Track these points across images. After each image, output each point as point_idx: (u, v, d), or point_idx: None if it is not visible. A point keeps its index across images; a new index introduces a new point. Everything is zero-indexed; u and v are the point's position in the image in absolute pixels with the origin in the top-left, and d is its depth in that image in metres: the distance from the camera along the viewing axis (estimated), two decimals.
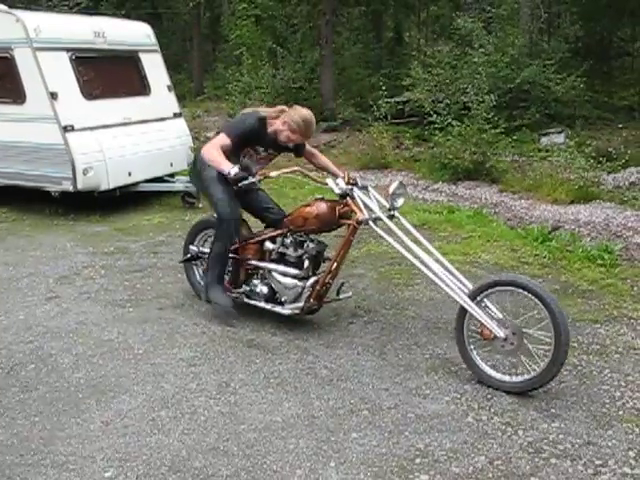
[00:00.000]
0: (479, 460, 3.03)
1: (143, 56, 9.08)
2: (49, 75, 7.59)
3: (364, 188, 4.30)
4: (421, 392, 3.68)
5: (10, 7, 8.27)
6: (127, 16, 19.05)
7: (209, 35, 28.71)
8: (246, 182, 4.31)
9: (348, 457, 3.08)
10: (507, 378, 3.70)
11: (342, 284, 4.75)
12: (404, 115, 13.24)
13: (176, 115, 9.24)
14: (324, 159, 5.02)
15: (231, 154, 4.50)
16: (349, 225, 4.30)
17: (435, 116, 10.55)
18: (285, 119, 4.48)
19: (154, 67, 9.23)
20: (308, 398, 3.64)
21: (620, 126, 12.35)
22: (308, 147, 4.93)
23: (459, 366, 3.97)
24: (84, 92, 8.00)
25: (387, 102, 11.82)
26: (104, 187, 7.88)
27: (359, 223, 4.20)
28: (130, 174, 8.07)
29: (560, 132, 11.96)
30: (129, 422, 3.44)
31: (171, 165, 8.74)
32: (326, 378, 3.86)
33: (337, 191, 4.22)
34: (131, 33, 9.10)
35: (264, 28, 16.42)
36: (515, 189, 9.30)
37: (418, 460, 3.04)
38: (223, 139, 4.49)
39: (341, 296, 4.70)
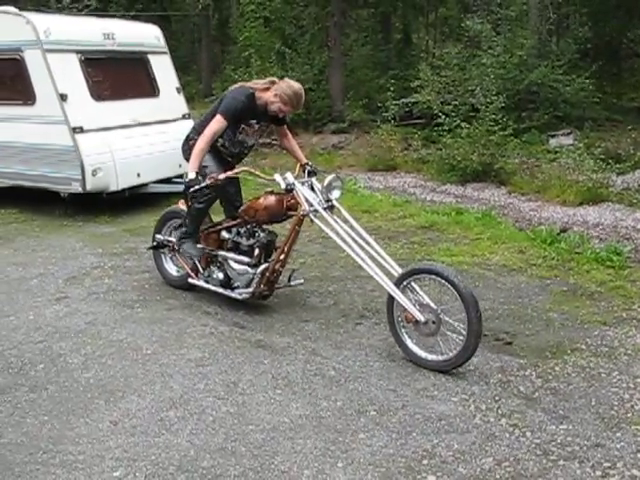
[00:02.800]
0: (486, 461, 3.02)
1: (152, 58, 9.11)
2: (59, 77, 7.63)
3: (308, 182, 4.58)
4: (429, 393, 3.68)
5: (20, 9, 8.34)
6: (136, 18, 19.13)
7: (218, 37, 28.76)
8: (195, 188, 4.62)
9: (356, 458, 3.08)
10: (430, 357, 3.97)
11: (293, 271, 5.09)
12: (412, 116, 13.23)
13: (185, 116, 9.27)
14: (293, 142, 5.24)
15: (229, 130, 4.78)
16: (296, 216, 4.61)
17: (443, 117, 10.54)
18: (277, 92, 4.66)
19: (163, 69, 9.26)
20: (316, 399, 3.64)
21: (629, 127, 12.27)
22: (285, 126, 5.14)
23: (467, 367, 3.96)
24: (93, 93, 8.03)
25: (395, 104, 11.82)
26: (113, 188, 7.91)
27: (303, 215, 4.49)
28: (139, 175, 8.10)
29: (569, 133, 11.93)
30: (137, 422, 3.46)
31: (179, 166, 8.70)
32: (334, 379, 3.87)
33: (282, 186, 4.48)
34: (140, 35, 9.13)
35: (273, 30, 16.45)
36: (524, 191, 9.29)
37: (425, 461, 3.04)
38: (220, 122, 4.69)
39: (292, 283, 5.02)
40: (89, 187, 7.68)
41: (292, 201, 4.57)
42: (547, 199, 8.79)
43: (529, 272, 5.73)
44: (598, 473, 2.92)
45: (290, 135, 5.25)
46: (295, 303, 5.16)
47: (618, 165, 8.98)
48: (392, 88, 11.65)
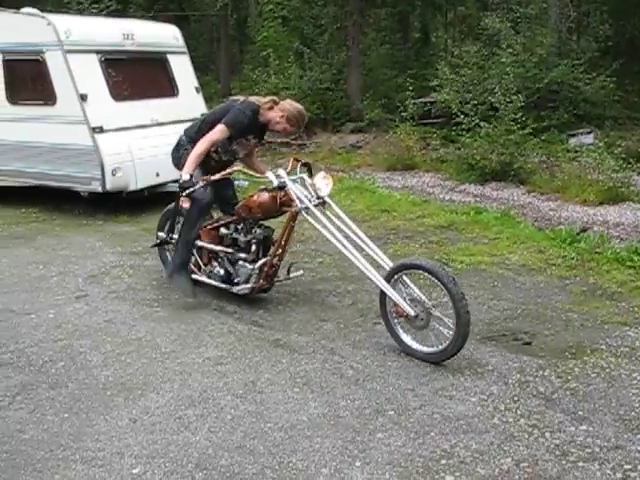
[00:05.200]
0: (505, 462, 3.01)
1: (171, 57, 9.16)
2: (79, 77, 7.70)
3: (300, 178, 4.68)
4: (447, 393, 3.67)
5: (41, 11, 8.43)
6: (155, 18, 19.23)
7: (236, 37, 28.85)
8: (188, 190, 4.71)
9: (373, 457, 3.08)
10: (422, 349, 4.06)
11: (291, 264, 5.16)
12: (431, 116, 13.18)
13: (204, 116, 9.29)
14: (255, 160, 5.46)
15: (225, 140, 4.89)
16: (289, 212, 4.71)
17: (462, 117, 10.49)
18: (284, 113, 4.83)
19: (182, 68, 9.32)
20: (334, 398, 3.64)
21: None
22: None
23: (485, 367, 3.95)
24: (113, 93, 8.10)
25: (414, 103, 11.78)
26: (132, 187, 7.97)
27: (296, 212, 4.61)
28: (158, 175, 8.13)
29: (589, 132, 11.83)
30: (156, 420, 3.48)
31: None
32: (352, 378, 3.87)
33: (275, 183, 4.58)
34: (159, 35, 9.19)
35: (291, 29, 16.48)
36: (543, 190, 9.22)
37: (444, 461, 3.03)
38: (223, 132, 4.82)
39: (291, 275, 5.13)
40: (109, 186, 7.74)
41: (285, 197, 4.66)
42: (567, 198, 8.72)
43: (548, 272, 5.69)
44: (619, 475, 2.90)
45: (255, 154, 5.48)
46: (313, 302, 5.16)
47: (639, 164, 8.88)
48: (411, 87, 11.60)
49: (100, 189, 7.77)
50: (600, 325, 4.55)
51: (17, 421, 3.52)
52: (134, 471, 3.05)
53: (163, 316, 4.93)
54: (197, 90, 9.52)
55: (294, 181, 4.63)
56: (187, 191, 4.76)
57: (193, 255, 5.37)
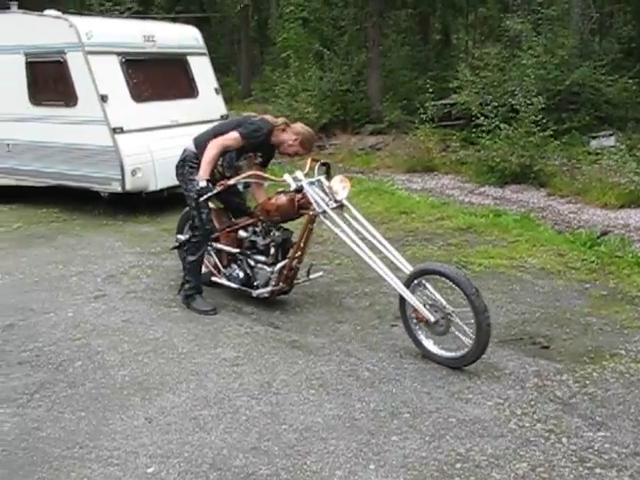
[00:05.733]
0: (521, 467, 2.98)
1: (191, 59, 9.21)
2: (100, 78, 7.76)
3: (318, 181, 4.63)
4: (463, 396, 3.64)
5: (63, 13, 8.51)
6: (176, 20, 19.37)
7: (257, 38, 29.00)
8: (205, 196, 4.77)
9: (388, 460, 3.07)
10: (441, 353, 4.03)
11: (311, 266, 5.14)
12: (451, 118, 13.11)
13: (223, 117, 9.31)
14: None
15: (233, 153, 4.97)
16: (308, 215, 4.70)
17: (482, 119, 10.42)
18: (298, 137, 4.89)
19: (202, 70, 9.35)
20: (349, 400, 3.64)
21: None
22: None
23: (502, 371, 3.92)
24: (133, 95, 8.15)
25: (434, 105, 11.73)
26: (152, 188, 8.02)
27: (314, 215, 4.59)
28: None
29: (610, 135, 11.68)
30: (172, 419, 3.49)
31: None
32: (368, 380, 3.86)
33: (292, 187, 4.57)
34: (180, 36, 9.23)
35: (311, 31, 16.47)
36: (563, 193, 9.13)
37: (458, 465, 3.01)
38: (237, 140, 4.85)
39: (311, 276, 5.12)
40: (128, 187, 7.80)
41: (303, 200, 4.65)
42: (587, 201, 8.63)
43: (568, 275, 5.64)
44: None
45: None
46: (330, 304, 5.16)
47: None
48: (431, 89, 11.55)
49: (120, 189, 7.82)
50: (620, 330, 4.50)
51: (35, 419, 3.55)
52: (149, 470, 3.07)
53: (180, 316, 4.96)
54: (217, 91, 9.55)
55: (311, 184, 4.60)
56: (205, 196, 4.79)
57: (212, 257, 5.41)
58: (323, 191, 4.59)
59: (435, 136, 11.65)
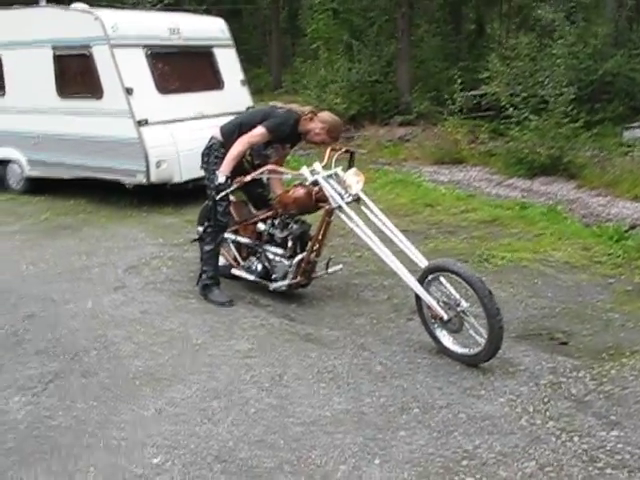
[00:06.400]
0: (529, 465, 2.92)
1: (217, 51, 9.21)
2: (125, 71, 7.81)
3: (335, 174, 4.55)
4: (475, 392, 3.58)
5: (92, 6, 8.59)
6: (208, 12, 19.43)
7: (288, 29, 28.95)
8: (223, 193, 4.82)
9: (393, 455, 3.03)
10: (456, 349, 3.95)
11: (330, 259, 5.10)
12: (481, 109, 12.92)
13: (249, 109, 9.33)
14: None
15: (261, 144, 4.96)
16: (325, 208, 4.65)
17: (511, 110, 10.24)
18: (325, 125, 4.84)
19: (228, 61, 9.35)
20: (359, 394, 3.61)
21: None
22: None
23: (517, 367, 3.85)
24: (159, 87, 8.19)
25: (463, 95, 11.57)
26: (177, 180, 8.06)
27: (331, 208, 4.53)
28: None
29: None
30: (181, 411, 3.50)
31: None
32: (379, 375, 3.82)
33: (309, 180, 4.54)
34: (205, 28, 9.25)
35: (341, 22, 16.37)
36: (593, 185, 8.93)
37: (465, 462, 2.96)
38: (264, 136, 4.85)
39: (330, 270, 5.06)
40: (153, 179, 7.85)
41: (320, 193, 4.60)
42: (618, 194, 8.43)
43: (592, 270, 5.51)
44: None
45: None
46: (348, 297, 5.13)
47: None
48: (461, 80, 11.39)
49: (144, 181, 7.88)
50: None
51: (47, 408, 3.59)
52: (154, 461, 3.08)
53: (198, 308, 4.97)
54: (243, 83, 9.55)
55: (328, 177, 4.53)
56: (222, 193, 4.80)
57: (232, 249, 5.43)
58: (340, 185, 4.53)
59: (464, 127, 11.48)
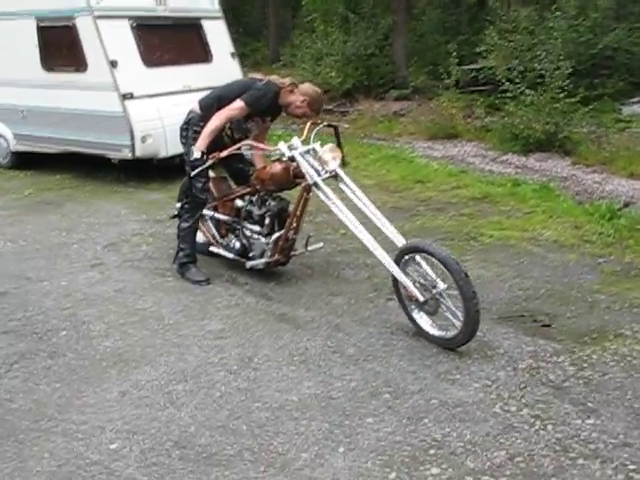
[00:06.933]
0: (498, 455, 2.80)
1: (206, 23, 8.97)
2: (109, 43, 7.61)
3: (313, 150, 4.38)
4: (450, 377, 3.46)
5: None
6: None
7: (288, 1, 28.43)
8: (198, 169, 4.64)
9: (359, 443, 2.91)
10: (432, 331, 3.82)
11: (309, 237, 4.92)
12: (478, 83, 12.67)
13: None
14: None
15: (241, 118, 4.81)
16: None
17: (508, 84, 10.01)
18: (306, 98, 4.72)
19: (217, 34, 9.11)
20: (330, 378, 3.49)
21: None
22: None
23: (496, 350, 3.73)
24: (144, 60, 7.98)
25: (459, 69, 11.34)
26: (163, 155, 7.89)
27: (309, 185, 4.36)
28: None
29: None
30: (145, 394, 3.39)
31: None
32: (352, 357, 3.70)
33: (287, 155, 4.37)
34: (193, 0, 9.00)
35: None
36: (589, 162, 8.73)
37: (432, 451, 2.84)
38: (242, 110, 4.70)
39: (310, 248, 4.89)
40: (138, 153, 7.69)
41: (299, 169, 4.43)
42: (613, 171, 8.24)
43: (581, 249, 5.37)
44: (620, 477, 2.64)
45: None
46: (328, 275, 5.00)
47: None
48: (454, 53, 11.14)
49: (130, 156, 7.72)
50: (628, 308, 4.25)
51: (9, 390, 3.49)
52: (112, 446, 2.97)
53: (173, 286, 4.85)
54: (233, 56, 9.30)
55: (305, 153, 4.37)
56: (198, 169, 4.64)
57: (211, 226, 5.31)
58: (317, 161, 4.37)
59: (459, 102, 11.27)
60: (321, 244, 5.11)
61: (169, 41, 8.48)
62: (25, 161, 8.91)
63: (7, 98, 8.71)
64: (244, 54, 21.37)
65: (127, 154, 7.73)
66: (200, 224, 5.30)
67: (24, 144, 8.78)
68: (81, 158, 8.37)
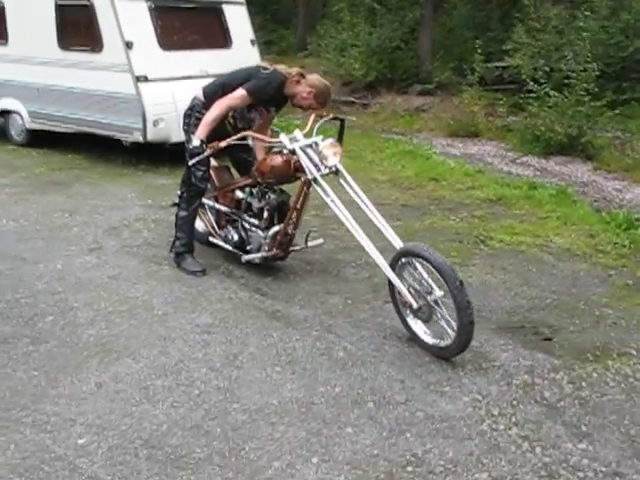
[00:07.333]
0: (480, 478, 2.64)
1: (227, 8, 8.84)
2: (126, 24, 7.52)
3: (314, 144, 4.21)
4: (439, 388, 3.30)
5: None
6: None
7: None
8: (196, 159, 4.48)
9: (334, 455, 2.77)
10: (425, 339, 3.68)
11: (309, 232, 4.76)
12: (504, 81, 12.38)
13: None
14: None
15: (245, 107, 4.68)
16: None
17: (532, 84, 9.73)
18: (313, 90, 4.54)
19: (238, 20, 8.97)
20: (314, 382, 3.35)
21: None
22: None
23: (492, 363, 3.57)
24: (161, 42, 7.88)
25: (484, 67, 11.07)
26: (175, 139, 7.74)
27: (308, 180, 4.22)
28: None
29: None
30: (122, 387, 3.29)
31: None
32: (340, 361, 3.56)
33: (288, 148, 4.24)
34: None
35: None
36: (611, 168, 8.46)
37: (410, 468, 2.69)
38: (244, 99, 4.55)
39: (310, 244, 4.74)
40: (150, 137, 7.61)
41: (300, 162, 4.25)
42: (635, 179, 7.96)
43: (593, 259, 5.17)
44: None
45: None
46: (327, 273, 4.86)
47: None
48: (480, 50, 10.85)
49: (141, 139, 7.65)
50: (636, 326, 4.05)
51: None
52: (79, 441, 2.87)
53: (168, 275, 4.74)
54: (252, 42, 9.17)
55: (307, 146, 4.22)
56: (196, 158, 4.50)
57: (211, 217, 5.19)
58: (318, 155, 4.20)
59: (482, 100, 10.99)
60: (321, 240, 4.97)
61: (188, 25, 8.36)
62: (39, 139, 8.87)
63: (23, 75, 8.66)
64: (271, 41, 21.23)
65: (138, 137, 7.65)
66: (201, 213, 5.20)
67: (38, 122, 8.74)
68: (95, 139, 8.32)
